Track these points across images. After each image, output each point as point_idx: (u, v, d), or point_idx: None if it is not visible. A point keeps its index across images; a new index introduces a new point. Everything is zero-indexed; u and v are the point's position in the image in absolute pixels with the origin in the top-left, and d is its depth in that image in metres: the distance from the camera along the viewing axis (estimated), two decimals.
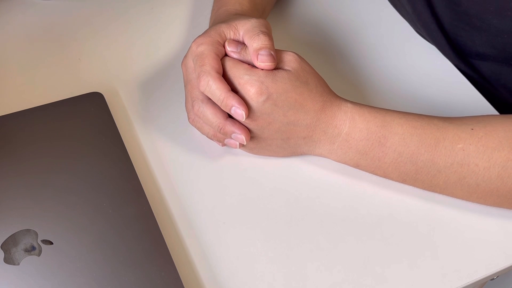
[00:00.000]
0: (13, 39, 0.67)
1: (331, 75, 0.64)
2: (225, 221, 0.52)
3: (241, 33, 0.52)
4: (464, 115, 0.61)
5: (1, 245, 0.47)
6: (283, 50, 0.52)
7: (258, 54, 0.50)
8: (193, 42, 0.52)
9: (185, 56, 0.53)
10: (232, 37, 0.52)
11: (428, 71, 0.65)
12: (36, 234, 0.48)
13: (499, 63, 0.63)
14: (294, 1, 0.73)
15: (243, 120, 0.50)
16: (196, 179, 0.54)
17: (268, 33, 0.51)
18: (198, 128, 0.54)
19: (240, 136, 0.52)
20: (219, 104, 0.50)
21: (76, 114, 0.57)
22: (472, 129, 0.50)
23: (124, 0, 0.72)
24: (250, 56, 0.51)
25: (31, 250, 0.47)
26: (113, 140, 0.55)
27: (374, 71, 0.65)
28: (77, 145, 0.54)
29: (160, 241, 0.48)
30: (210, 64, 0.50)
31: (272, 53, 0.50)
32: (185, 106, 0.55)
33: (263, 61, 0.50)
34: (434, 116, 0.52)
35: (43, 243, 0.48)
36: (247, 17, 0.54)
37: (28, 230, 0.48)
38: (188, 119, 0.55)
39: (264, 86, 0.49)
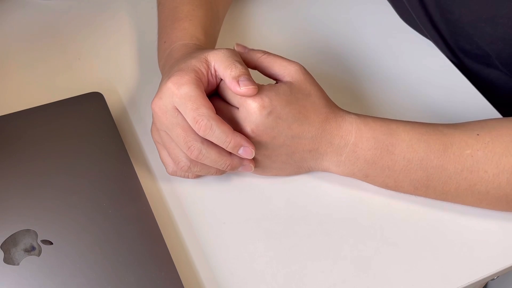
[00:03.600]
0: (13, 39, 0.67)
1: (331, 74, 0.64)
2: (225, 221, 0.52)
3: (213, 65, 0.50)
4: (464, 114, 0.61)
5: (1, 245, 0.47)
6: (288, 60, 0.51)
7: (238, 80, 0.48)
8: (168, 81, 0.48)
9: (159, 98, 0.49)
10: (204, 71, 0.49)
11: (428, 70, 0.65)
12: (36, 234, 0.48)
13: (493, 68, 0.64)
14: (294, 1, 0.73)
15: (252, 157, 0.49)
16: (196, 179, 0.54)
17: (242, 62, 0.50)
18: (196, 173, 0.52)
19: (249, 165, 0.51)
20: (224, 147, 0.48)
21: (76, 114, 0.57)
22: (478, 134, 0.50)
23: (124, 0, 0.72)
24: (255, 56, 0.50)
25: (31, 250, 0.47)
26: (113, 140, 0.55)
27: (374, 71, 0.65)
28: (77, 145, 0.54)
29: (160, 241, 0.48)
30: (205, 106, 0.47)
31: (251, 78, 0.49)
32: (171, 155, 0.51)
33: (246, 85, 0.48)
34: (438, 123, 0.52)
35: (43, 243, 0.48)
36: (213, 49, 0.52)
37: (28, 230, 0.48)
38: (177, 171, 0.52)
39: (267, 99, 0.48)
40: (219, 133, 0.47)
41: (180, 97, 0.48)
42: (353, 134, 0.51)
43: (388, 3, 0.72)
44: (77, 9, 0.71)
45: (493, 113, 0.61)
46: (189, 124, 0.48)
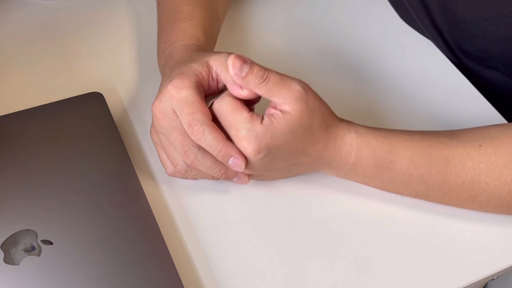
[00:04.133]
0: (13, 39, 0.67)
1: (331, 74, 0.64)
2: (225, 221, 0.52)
3: (215, 69, 0.49)
4: (464, 114, 0.60)
5: (1, 245, 0.47)
6: (288, 86, 0.47)
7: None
8: (168, 85, 0.48)
9: (159, 100, 0.49)
10: (205, 75, 0.49)
11: (428, 70, 0.65)
12: (36, 234, 0.48)
13: (494, 70, 0.64)
14: (293, 1, 0.73)
15: (242, 170, 0.48)
16: (196, 179, 0.54)
17: None
18: (193, 176, 0.52)
19: (244, 177, 0.51)
20: (215, 154, 0.48)
21: (76, 114, 0.57)
22: (480, 145, 0.49)
23: (124, 0, 0.72)
24: (252, 82, 0.47)
25: (31, 250, 0.47)
26: (113, 140, 0.55)
27: (374, 71, 0.65)
28: (77, 145, 0.54)
29: (160, 241, 0.48)
30: (201, 111, 0.47)
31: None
32: (169, 158, 0.51)
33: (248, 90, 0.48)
34: (439, 133, 0.52)
35: (43, 243, 0.48)
36: (214, 52, 0.51)
37: (28, 230, 0.48)
38: (175, 173, 0.52)
39: (263, 144, 0.47)
40: (211, 140, 0.47)
41: (178, 100, 0.47)
42: (353, 156, 0.50)
43: (388, 3, 0.72)
44: (77, 9, 0.71)
45: (493, 113, 0.61)
46: None
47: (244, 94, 0.47)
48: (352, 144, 0.50)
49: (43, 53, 0.65)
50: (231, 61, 0.47)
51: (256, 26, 0.70)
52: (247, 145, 0.47)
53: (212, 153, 0.48)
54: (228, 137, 0.48)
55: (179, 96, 0.47)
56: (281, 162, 0.49)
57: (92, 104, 0.58)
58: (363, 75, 0.65)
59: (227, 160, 0.48)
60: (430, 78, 0.64)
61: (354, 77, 0.64)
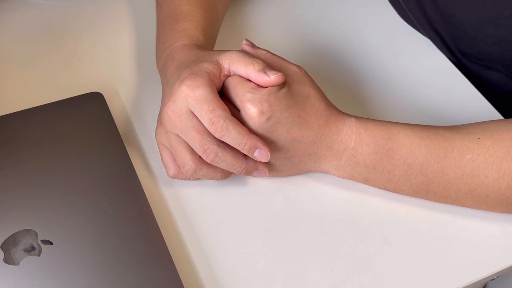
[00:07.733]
0: (13, 39, 0.67)
1: (331, 74, 0.64)
2: (225, 221, 0.52)
3: (227, 67, 0.50)
4: (464, 114, 0.61)
5: (1, 245, 0.47)
6: (290, 62, 0.52)
7: (265, 72, 0.49)
8: (182, 85, 0.48)
9: (173, 101, 0.49)
10: (217, 74, 0.50)
11: (429, 70, 0.65)
12: (36, 234, 0.48)
13: (494, 70, 0.64)
14: (293, 1, 0.73)
15: (268, 160, 0.49)
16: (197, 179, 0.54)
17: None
18: (199, 177, 0.52)
19: (264, 170, 0.51)
20: (240, 148, 0.48)
21: (76, 114, 0.57)
22: (479, 138, 0.50)
23: (124, 0, 0.72)
24: (259, 53, 0.51)
25: (31, 250, 0.47)
26: (113, 140, 0.55)
27: (374, 71, 0.65)
28: (77, 145, 0.54)
29: (160, 241, 0.48)
30: (221, 108, 0.47)
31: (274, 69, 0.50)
32: (177, 158, 0.51)
33: (275, 74, 0.48)
34: (439, 126, 0.52)
35: (43, 243, 0.48)
36: (222, 51, 0.52)
37: (28, 230, 0.48)
38: (178, 174, 0.52)
39: (266, 105, 0.48)
40: (235, 134, 0.47)
41: (195, 99, 0.48)
42: (353, 139, 0.50)
43: (388, 3, 0.72)
44: (77, 9, 0.71)
45: (493, 113, 0.61)
46: (204, 127, 0.48)
47: (273, 79, 0.48)
48: (351, 127, 0.50)
49: (42, 53, 0.65)
50: (245, 40, 0.53)
51: (255, 26, 0.70)
52: (251, 106, 0.48)
53: (237, 147, 0.48)
54: (235, 115, 0.49)
55: (195, 95, 0.48)
56: (284, 132, 0.49)
57: (92, 104, 0.58)
58: (363, 74, 0.65)
59: (253, 152, 0.48)
60: (430, 78, 0.64)
61: (354, 77, 0.64)
